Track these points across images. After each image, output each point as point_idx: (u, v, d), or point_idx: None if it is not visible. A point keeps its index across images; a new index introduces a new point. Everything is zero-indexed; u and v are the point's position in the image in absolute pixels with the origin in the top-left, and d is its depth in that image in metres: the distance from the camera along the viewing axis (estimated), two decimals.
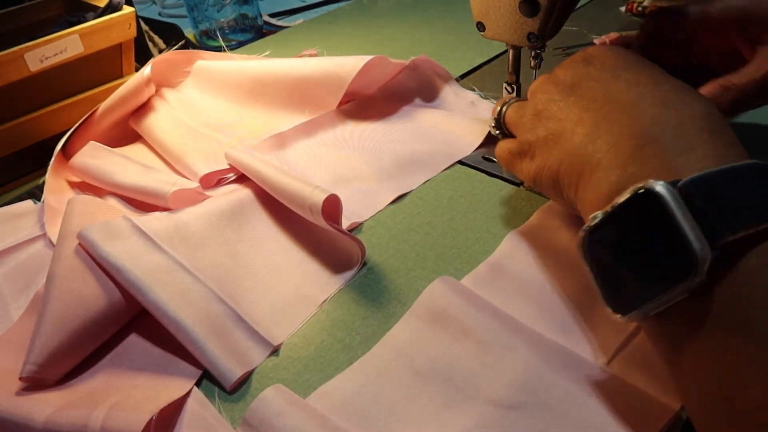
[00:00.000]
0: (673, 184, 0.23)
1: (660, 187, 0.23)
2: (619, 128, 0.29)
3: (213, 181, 0.50)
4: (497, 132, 0.41)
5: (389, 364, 0.33)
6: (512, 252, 0.39)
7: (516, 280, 0.37)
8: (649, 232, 0.24)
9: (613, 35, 0.64)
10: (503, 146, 0.40)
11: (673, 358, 0.25)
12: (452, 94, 0.59)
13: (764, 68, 0.36)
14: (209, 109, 0.60)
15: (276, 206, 0.45)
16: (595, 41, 0.65)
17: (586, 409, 0.29)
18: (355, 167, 0.51)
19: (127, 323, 0.38)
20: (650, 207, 0.24)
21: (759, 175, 0.23)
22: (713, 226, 0.22)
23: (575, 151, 0.31)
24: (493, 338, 0.32)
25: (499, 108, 0.41)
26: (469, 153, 0.51)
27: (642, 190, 0.24)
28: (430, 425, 0.30)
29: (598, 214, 0.26)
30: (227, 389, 0.33)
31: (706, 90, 0.38)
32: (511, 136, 0.40)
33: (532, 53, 0.48)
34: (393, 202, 0.47)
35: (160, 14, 0.97)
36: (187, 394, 0.33)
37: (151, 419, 0.30)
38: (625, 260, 0.25)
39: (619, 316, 0.26)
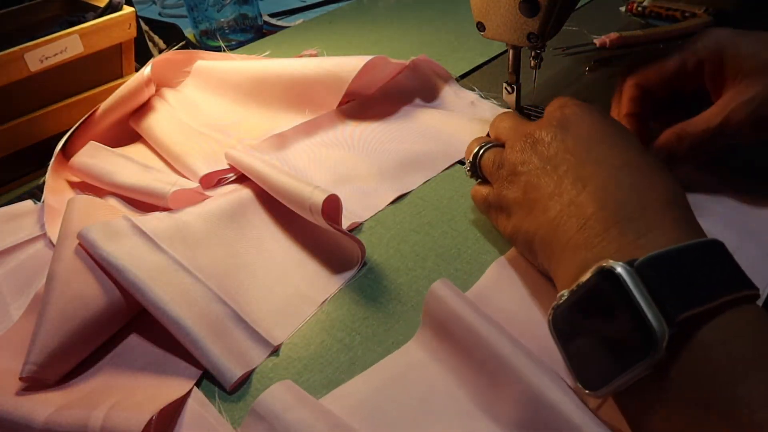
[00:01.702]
0: (630, 263, 0.24)
1: (619, 267, 0.24)
2: (589, 209, 0.30)
3: (213, 181, 0.50)
4: (470, 175, 0.41)
5: (405, 372, 0.33)
6: (497, 282, 0.38)
7: (502, 313, 0.35)
8: (611, 310, 0.25)
9: (613, 35, 0.64)
10: (480, 192, 0.40)
11: (641, 426, 0.25)
12: (452, 94, 0.59)
13: (720, 116, 0.37)
14: (209, 109, 0.60)
15: (276, 206, 0.45)
16: (595, 41, 0.65)
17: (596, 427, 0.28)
18: (355, 167, 0.51)
19: (127, 323, 0.38)
20: (611, 286, 0.25)
21: (711, 252, 0.25)
22: (669, 304, 0.23)
23: (548, 225, 0.32)
24: (501, 353, 0.32)
25: (475, 150, 0.40)
26: None
27: (602, 270, 0.25)
28: None
29: (565, 293, 0.27)
30: (227, 389, 0.33)
31: (662, 139, 0.40)
32: (485, 179, 0.40)
33: (532, 53, 0.48)
34: (393, 202, 0.47)
35: (160, 14, 0.97)
36: (187, 394, 0.33)
37: (151, 419, 0.30)
38: (590, 338, 0.26)
39: (591, 393, 0.26)
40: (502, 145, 0.39)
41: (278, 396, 0.30)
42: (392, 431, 0.30)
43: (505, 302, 0.37)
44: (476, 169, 0.40)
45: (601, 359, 0.25)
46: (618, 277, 0.24)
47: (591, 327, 0.26)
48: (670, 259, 0.24)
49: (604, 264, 0.25)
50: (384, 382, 0.33)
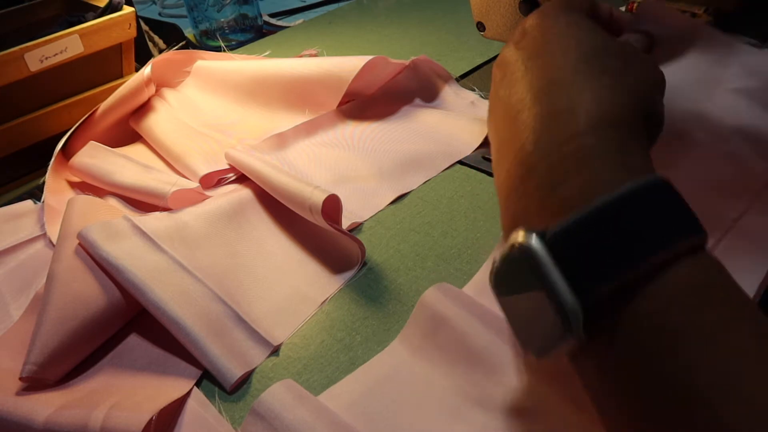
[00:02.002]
0: (542, 234, 0.22)
1: (532, 240, 0.22)
2: (511, 150, 0.26)
3: (213, 181, 0.50)
4: None
5: (396, 369, 0.33)
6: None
7: None
8: (531, 286, 0.22)
9: None
10: None
11: (589, 390, 0.24)
12: (452, 94, 0.59)
13: None
14: (209, 109, 0.60)
15: (276, 206, 0.45)
16: None
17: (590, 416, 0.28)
18: (355, 167, 0.51)
19: (127, 323, 0.38)
20: (527, 261, 0.22)
21: (641, 201, 0.21)
22: (581, 280, 0.21)
23: (495, 164, 0.29)
24: (496, 347, 0.32)
25: None
26: (469, 153, 0.51)
27: (518, 245, 0.22)
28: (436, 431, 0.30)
29: (497, 258, 0.24)
30: (227, 389, 0.33)
31: None
32: None
33: None
34: (393, 202, 0.47)
35: (160, 14, 0.97)
36: (187, 394, 0.33)
37: (151, 419, 0.30)
38: (525, 303, 0.24)
39: (533, 358, 0.24)
40: None
41: (278, 395, 0.31)
42: (387, 427, 0.31)
43: None
44: None
45: (536, 331, 0.23)
46: (533, 253, 0.22)
47: (523, 293, 0.24)
48: (583, 226, 0.21)
49: (519, 239, 0.22)
50: (375, 381, 0.33)
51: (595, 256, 0.21)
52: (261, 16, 0.85)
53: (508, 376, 0.31)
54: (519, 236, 0.22)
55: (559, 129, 0.24)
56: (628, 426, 0.21)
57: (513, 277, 0.24)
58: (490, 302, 0.35)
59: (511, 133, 0.26)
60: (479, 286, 0.37)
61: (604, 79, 0.25)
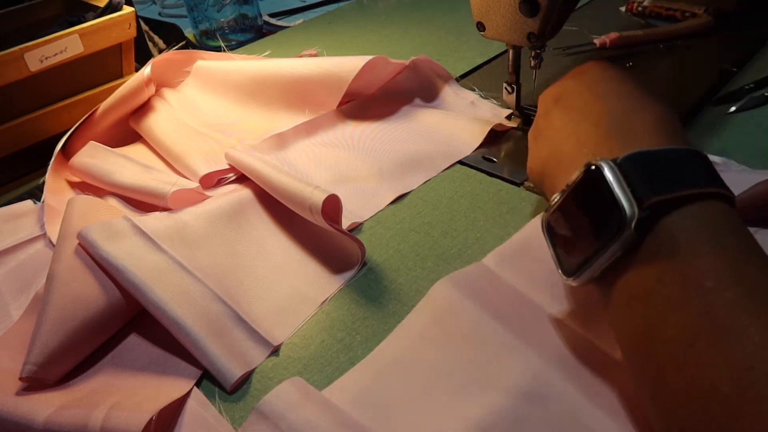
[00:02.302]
0: (614, 161, 0.27)
1: (602, 161, 0.27)
2: (585, 134, 0.32)
3: (213, 181, 0.50)
4: None
5: (401, 358, 0.34)
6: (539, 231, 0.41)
7: (542, 261, 0.37)
8: (593, 200, 0.28)
9: (613, 35, 0.64)
10: None
11: (614, 311, 0.28)
12: (452, 94, 0.59)
13: None
14: (209, 109, 0.60)
15: (276, 206, 0.45)
16: (595, 41, 0.65)
17: (600, 398, 0.29)
18: (355, 167, 0.51)
19: (127, 323, 0.38)
20: (594, 179, 0.28)
21: (691, 156, 0.27)
22: (640, 189, 0.26)
23: (553, 155, 0.35)
24: (503, 334, 0.32)
25: None
26: (469, 153, 0.51)
27: (588, 166, 0.28)
28: (444, 416, 0.30)
29: (557, 195, 0.30)
30: (227, 389, 0.33)
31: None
32: None
33: (532, 53, 0.48)
34: (393, 202, 0.47)
35: (160, 14, 0.97)
36: (187, 394, 0.33)
37: (151, 419, 0.30)
38: (575, 229, 0.29)
39: (571, 279, 0.29)
40: None
41: (283, 395, 0.31)
42: (394, 415, 0.31)
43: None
44: None
45: (582, 248, 0.28)
46: (600, 169, 0.27)
47: (575, 220, 0.29)
48: (649, 156, 0.27)
49: (591, 162, 0.28)
50: (379, 371, 0.33)
51: (655, 176, 0.26)
52: (261, 16, 0.85)
53: (514, 360, 0.31)
54: (589, 162, 0.28)
55: (635, 118, 0.31)
56: (646, 362, 0.25)
57: (570, 203, 0.29)
58: (510, 273, 0.37)
59: (587, 122, 0.33)
60: (502, 256, 0.39)
61: (658, 98, 0.33)
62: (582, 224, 0.29)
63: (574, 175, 0.29)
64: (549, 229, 0.31)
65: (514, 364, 0.31)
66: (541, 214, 0.41)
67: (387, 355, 0.34)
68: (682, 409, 0.23)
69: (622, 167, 0.27)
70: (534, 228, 0.40)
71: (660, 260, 0.25)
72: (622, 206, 0.26)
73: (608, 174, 0.27)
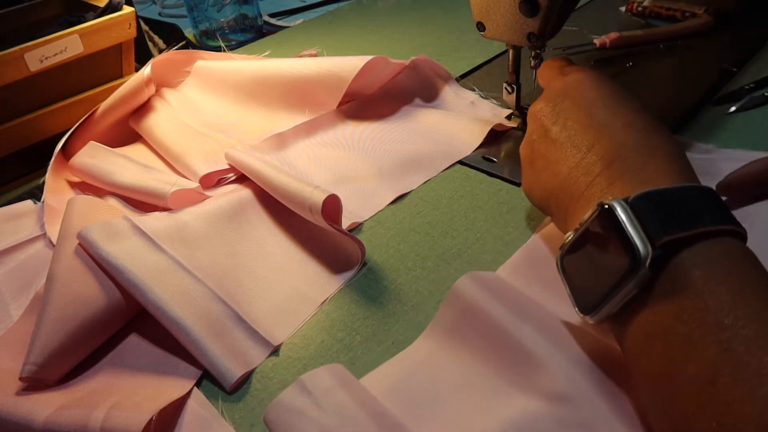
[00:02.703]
0: (626, 200, 0.28)
1: (614, 201, 0.28)
2: (596, 169, 0.33)
3: (213, 181, 0.50)
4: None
5: (435, 354, 0.34)
6: (548, 240, 0.41)
7: (553, 274, 0.38)
8: (606, 239, 0.28)
9: (613, 35, 0.64)
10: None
11: (631, 351, 0.28)
12: (452, 94, 0.59)
13: None
14: (209, 109, 0.60)
15: (276, 206, 0.45)
16: (595, 41, 0.65)
17: (622, 406, 0.29)
18: (355, 167, 0.51)
19: (127, 323, 0.38)
20: (607, 218, 0.28)
21: (701, 194, 0.28)
22: (652, 228, 0.26)
23: (560, 186, 0.35)
24: (533, 336, 0.32)
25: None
26: (469, 153, 0.51)
27: (601, 206, 0.29)
28: (476, 414, 0.30)
29: (570, 234, 0.31)
30: (227, 390, 0.33)
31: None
32: None
33: (532, 53, 0.48)
34: (393, 202, 0.47)
35: (160, 14, 0.97)
36: (187, 394, 0.33)
37: (151, 419, 0.30)
38: (590, 267, 0.30)
39: (588, 317, 0.29)
40: None
41: (327, 375, 0.31)
42: (429, 409, 0.31)
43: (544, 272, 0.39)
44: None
45: (597, 286, 0.29)
46: (613, 209, 0.28)
47: (589, 258, 0.30)
48: (660, 195, 0.28)
49: (603, 201, 0.28)
50: (413, 366, 0.33)
51: (667, 215, 0.27)
52: (261, 16, 0.85)
53: (547, 363, 0.31)
54: (605, 200, 0.28)
55: (646, 153, 0.32)
56: (668, 403, 0.25)
57: (584, 242, 0.30)
58: (524, 283, 0.37)
59: (592, 154, 0.33)
60: (514, 267, 0.39)
61: (666, 130, 0.34)
62: (597, 262, 0.29)
63: (587, 214, 0.30)
64: (564, 268, 0.32)
65: (547, 366, 0.31)
66: (544, 226, 0.41)
67: (422, 351, 0.34)
68: None
69: (633, 207, 0.27)
70: (539, 241, 0.40)
71: (675, 298, 0.25)
72: (636, 246, 0.26)
73: (621, 214, 0.27)
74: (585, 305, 0.30)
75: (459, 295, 0.35)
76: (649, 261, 0.26)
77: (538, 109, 0.38)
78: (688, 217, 0.27)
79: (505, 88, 0.51)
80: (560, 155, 0.35)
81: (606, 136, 0.33)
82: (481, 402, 0.31)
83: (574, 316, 0.34)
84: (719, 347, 0.23)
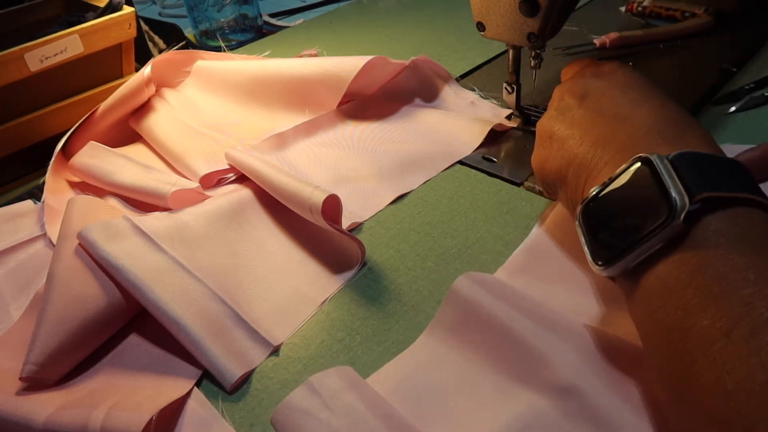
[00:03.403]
0: (666, 156, 0.28)
1: (654, 155, 0.28)
2: (632, 137, 0.32)
3: (213, 181, 0.50)
4: None
5: (437, 352, 0.34)
6: (546, 238, 0.41)
7: (553, 265, 0.38)
8: (639, 192, 0.28)
9: (613, 35, 0.64)
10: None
11: (643, 305, 0.28)
12: (452, 94, 0.59)
13: None
14: (209, 109, 0.60)
15: (276, 206, 0.45)
16: (595, 41, 0.65)
17: (630, 395, 0.29)
18: (355, 167, 0.51)
19: (127, 323, 0.38)
20: (645, 171, 0.28)
21: (736, 165, 0.28)
22: (692, 183, 0.26)
23: (584, 156, 0.34)
24: (537, 333, 0.32)
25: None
26: (469, 153, 0.51)
27: (639, 158, 0.29)
28: (483, 412, 0.30)
29: (596, 188, 0.31)
30: (227, 390, 0.33)
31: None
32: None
33: (532, 53, 0.48)
34: (393, 202, 0.47)
35: (160, 14, 0.97)
36: (187, 394, 0.33)
37: (151, 419, 0.30)
38: (613, 220, 0.29)
39: (602, 269, 0.29)
40: None
41: (336, 377, 0.31)
42: (434, 407, 0.31)
43: (556, 256, 0.39)
44: None
45: (622, 237, 0.28)
46: (651, 162, 0.28)
47: (616, 211, 0.29)
48: (699, 157, 0.28)
49: (641, 155, 0.29)
50: (417, 364, 0.33)
51: (705, 175, 0.27)
52: (261, 16, 0.85)
53: (551, 357, 0.31)
54: (640, 155, 0.29)
55: (682, 128, 0.32)
56: (676, 358, 0.25)
57: (615, 194, 0.30)
58: (523, 283, 0.37)
59: (624, 123, 0.33)
60: (511, 269, 0.38)
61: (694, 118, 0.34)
62: (623, 215, 0.29)
63: (622, 166, 0.30)
64: (583, 220, 0.31)
65: (552, 359, 0.31)
66: (540, 224, 0.41)
67: (424, 350, 0.34)
68: (713, 402, 0.22)
69: (673, 162, 0.28)
70: (537, 239, 0.40)
71: (703, 253, 0.25)
72: (673, 197, 0.26)
73: (660, 166, 0.27)
74: (602, 257, 0.29)
75: (459, 294, 0.35)
76: (684, 213, 0.26)
77: (567, 87, 0.39)
78: (725, 181, 0.27)
79: (505, 88, 0.51)
80: (590, 124, 0.35)
81: (643, 109, 0.33)
82: (487, 399, 0.31)
83: (575, 312, 0.34)
84: (740, 302, 0.23)
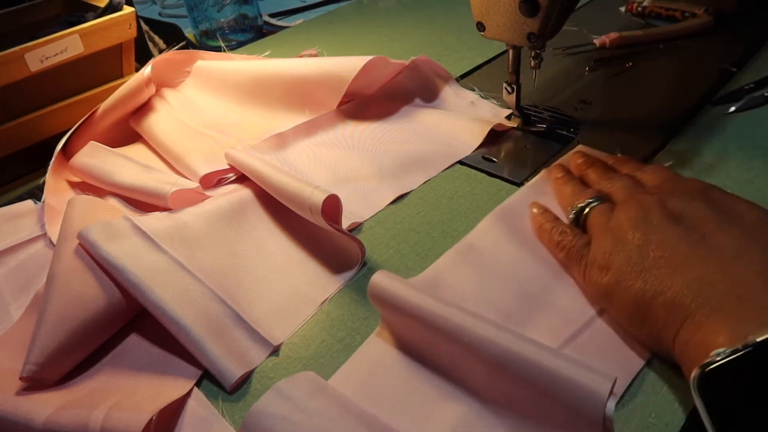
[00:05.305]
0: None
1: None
2: (752, 281, 0.29)
3: (213, 181, 0.50)
4: (572, 221, 0.40)
5: (387, 351, 0.34)
6: (486, 233, 0.42)
7: (488, 257, 0.40)
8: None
9: (613, 35, 0.64)
10: (552, 233, 0.39)
11: None
12: (452, 94, 0.59)
13: None
14: (209, 109, 0.60)
15: (276, 206, 0.45)
16: (595, 41, 0.65)
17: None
18: (355, 167, 0.51)
19: (127, 323, 0.38)
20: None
21: None
22: None
23: (679, 293, 0.30)
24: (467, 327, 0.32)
25: (581, 205, 0.39)
26: (469, 153, 0.51)
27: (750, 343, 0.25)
28: (432, 416, 0.31)
29: (722, 351, 0.26)
30: (227, 389, 0.33)
31: None
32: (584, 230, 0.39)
33: (532, 53, 0.48)
34: (393, 202, 0.47)
35: (160, 14, 0.97)
36: (187, 394, 0.33)
37: (151, 419, 0.30)
38: (753, 404, 0.25)
39: None
40: (608, 199, 0.38)
41: (304, 381, 0.31)
42: (391, 407, 0.32)
43: (491, 250, 0.40)
44: (578, 222, 0.39)
45: (759, 426, 0.25)
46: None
47: (754, 392, 0.25)
48: None
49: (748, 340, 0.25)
50: (371, 367, 0.34)
51: None
52: (261, 16, 0.85)
53: (481, 351, 0.31)
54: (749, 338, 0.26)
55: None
56: None
57: (747, 369, 0.26)
58: (463, 273, 0.39)
59: (724, 264, 0.30)
60: (424, 280, 0.39)
61: None
62: (759, 400, 0.25)
63: (759, 336, 0.26)
64: (705, 391, 0.27)
65: (479, 357, 0.31)
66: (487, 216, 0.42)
67: (374, 351, 0.35)
68: None
69: None
70: (477, 232, 0.42)
71: None
72: None
73: None
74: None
75: (378, 292, 0.35)
76: None
77: (656, 199, 0.35)
78: None
79: (505, 88, 0.51)
80: (694, 253, 0.31)
81: (754, 245, 0.30)
82: (433, 404, 0.32)
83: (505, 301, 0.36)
84: None
